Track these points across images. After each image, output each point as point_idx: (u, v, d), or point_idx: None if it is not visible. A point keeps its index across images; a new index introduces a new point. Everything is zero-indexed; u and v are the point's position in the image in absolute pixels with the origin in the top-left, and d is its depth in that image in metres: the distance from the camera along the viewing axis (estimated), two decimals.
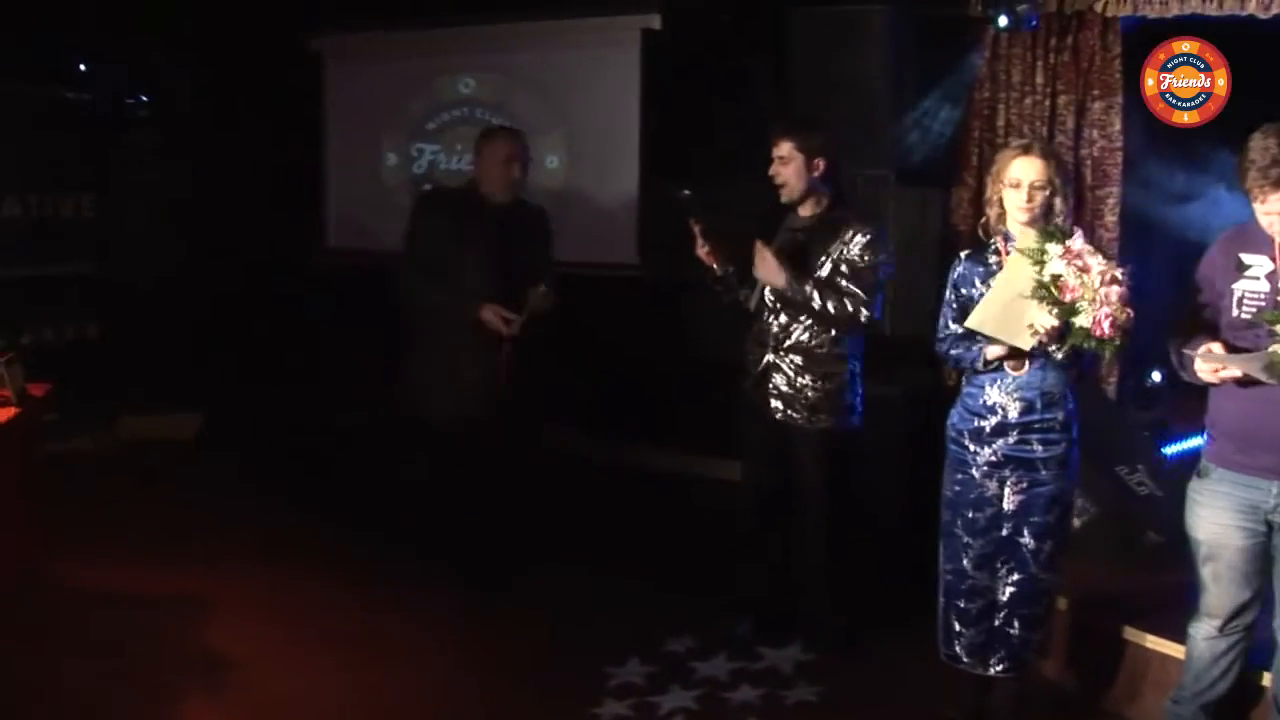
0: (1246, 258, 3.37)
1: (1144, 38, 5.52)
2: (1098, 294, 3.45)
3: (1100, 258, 3.52)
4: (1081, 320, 3.48)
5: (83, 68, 7.75)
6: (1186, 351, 3.36)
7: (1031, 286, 3.54)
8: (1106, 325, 3.44)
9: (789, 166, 4.54)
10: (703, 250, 4.63)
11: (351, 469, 7.36)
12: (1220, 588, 3.51)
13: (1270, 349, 3.15)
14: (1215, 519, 3.46)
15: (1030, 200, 3.69)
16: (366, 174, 8.16)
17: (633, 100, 7.13)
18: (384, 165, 8.10)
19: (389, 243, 7.94)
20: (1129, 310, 3.46)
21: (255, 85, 8.13)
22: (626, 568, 5.52)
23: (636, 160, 7.07)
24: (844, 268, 4.50)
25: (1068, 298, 3.49)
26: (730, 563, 5.03)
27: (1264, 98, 3.95)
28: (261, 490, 6.86)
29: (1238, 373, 3.25)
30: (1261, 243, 3.35)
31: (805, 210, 4.62)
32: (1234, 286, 3.37)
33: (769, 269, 4.50)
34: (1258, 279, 3.32)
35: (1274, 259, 3.30)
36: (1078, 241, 3.55)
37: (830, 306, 4.45)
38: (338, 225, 8.33)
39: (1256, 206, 3.28)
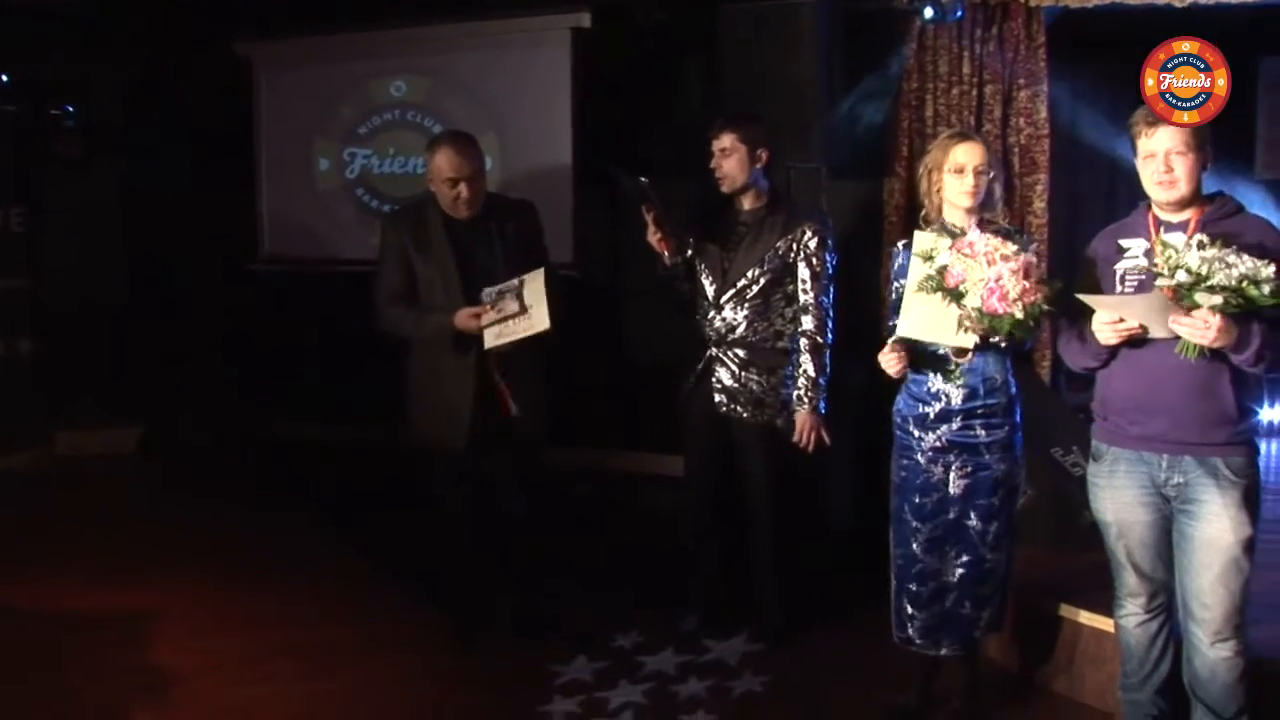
0: (1125, 242, 3.50)
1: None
2: (986, 273, 3.51)
3: (997, 240, 3.58)
4: (970, 300, 3.54)
5: (5, 78, 7.64)
6: (1094, 317, 3.44)
7: (919, 283, 3.64)
8: (995, 301, 3.50)
9: (731, 159, 4.56)
10: (654, 238, 4.60)
11: (295, 478, 7.32)
12: (1136, 565, 3.58)
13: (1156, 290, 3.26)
14: (1117, 498, 3.55)
15: (976, 185, 3.74)
16: (299, 179, 8.08)
17: (564, 100, 7.12)
18: (316, 170, 8.04)
19: (324, 248, 7.98)
20: (1024, 283, 3.49)
21: (184, 92, 8.06)
22: (572, 566, 5.53)
23: (570, 160, 7.08)
24: (804, 272, 4.56)
25: (951, 283, 3.56)
26: (676, 558, 5.06)
27: None
28: (205, 502, 6.83)
29: (1135, 324, 3.34)
30: (1139, 229, 3.49)
31: (746, 203, 4.64)
32: (1115, 268, 3.49)
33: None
34: (1136, 257, 3.44)
35: (1149, 239, 3.43)
36: (973, 233, 3.63)
37: (822, 362, 4.56)
38: (272, 231, 8.24)
39: (1141, 144, 3.41)
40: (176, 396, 8.03)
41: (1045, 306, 3.51)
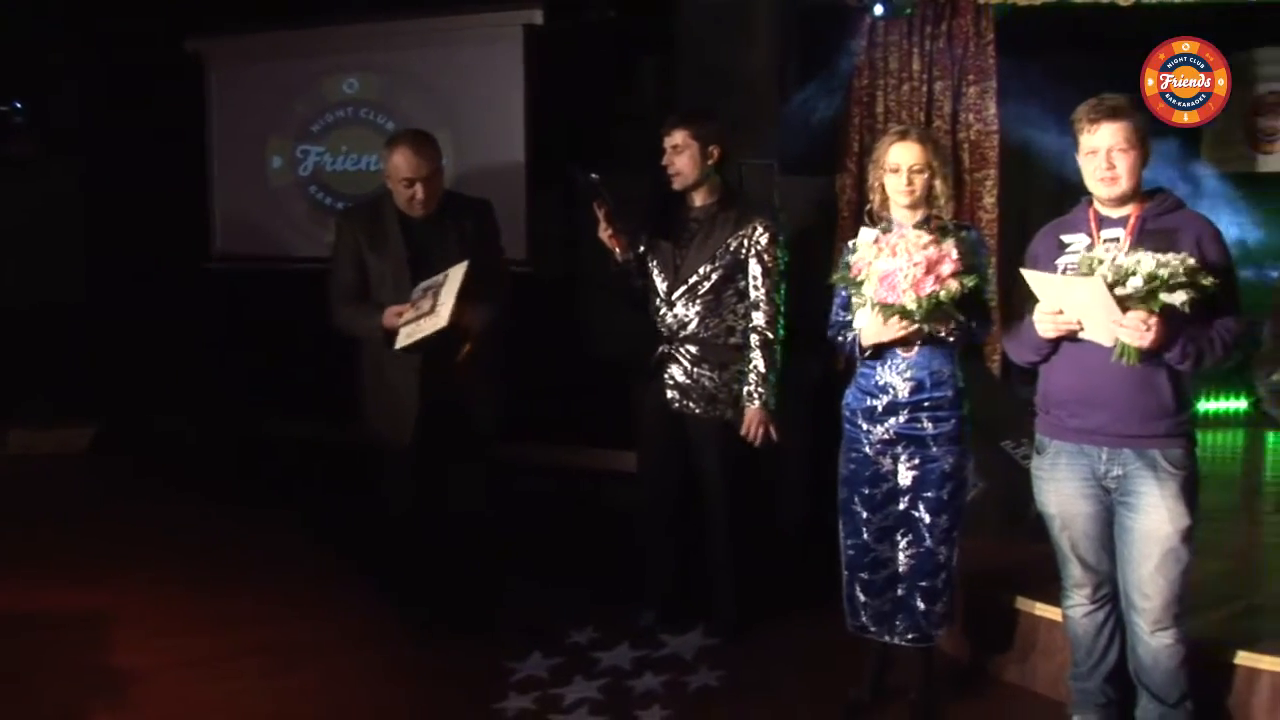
0: (1066, 238, 3.56)
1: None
2: (887, 265, 3.59)
3: (915, 235, 3.64)
4: (866, 289, 3.65)
5: None
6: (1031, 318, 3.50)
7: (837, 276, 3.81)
8: (884, 290, 3.59)
9: (683, 155, 4.56)
10: (606, 234, 4.60)
11: (252, 474, 7.30)
12: (1080, 555, 3.65)
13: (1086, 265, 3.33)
14: (1060, 490, 3.62)
15: (910, 184, 3.79)
16: (252, 177, 8.03)
17: (517, 97, 7.11)
18: (269, 168, 8.00)
19: (278, 246, 7.95)
20: (917, 275, 3.55)
21: (136, 89, 8.00)
22: (528, 563, 5.55)
23: (522, 157, 7.08)
24: (755, 268, 4.57)
25: (852, 273, 3.70)
26: (631, 554, 5.07)
27: None
28: (161, 500, 6.79)
29: (1074, 321, 3.39)
30: (1079, 225, 3.55)
31: (698, 199, 4.65)
32: (1057, 263, 3.54)
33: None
34: (1078, 252, 3.48)
35: (1090, 235, 3.49)
36: (894, 235, 3.70)
37: (773, 358, 4.56)
38: (225, 229, 8.20)
39: (1084, 141, 3.45)
40: (132, 395, 7.98)
41: (942, 300, 3.57)
